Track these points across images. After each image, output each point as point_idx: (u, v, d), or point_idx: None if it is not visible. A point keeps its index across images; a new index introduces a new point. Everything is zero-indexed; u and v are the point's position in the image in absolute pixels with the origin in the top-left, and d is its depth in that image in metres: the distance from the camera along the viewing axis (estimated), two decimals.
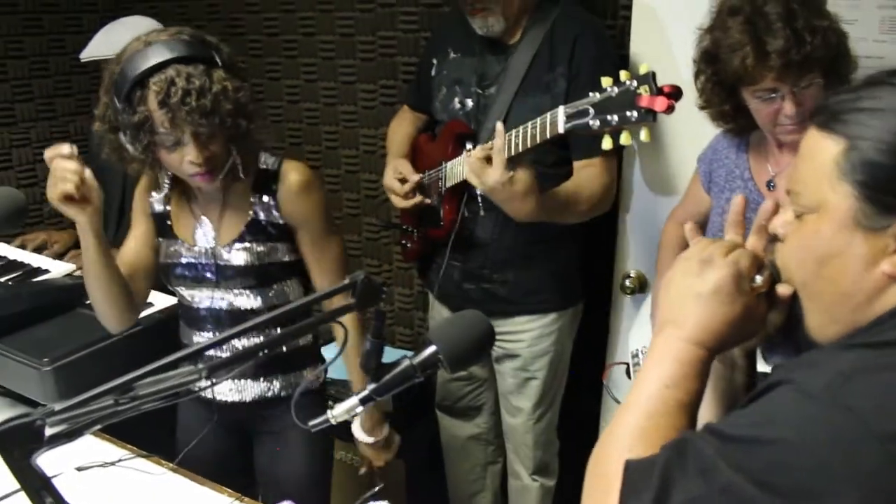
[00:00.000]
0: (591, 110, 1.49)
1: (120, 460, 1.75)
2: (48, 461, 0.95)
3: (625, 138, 1.47)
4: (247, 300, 1.76)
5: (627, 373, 2.08)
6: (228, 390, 1.83)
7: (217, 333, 1.77)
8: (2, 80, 3.17)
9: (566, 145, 1.97)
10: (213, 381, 0.93)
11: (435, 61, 2.20)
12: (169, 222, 1.77)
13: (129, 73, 1.48)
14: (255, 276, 1.73)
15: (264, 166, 1.73)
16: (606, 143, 1.51)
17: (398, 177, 2.16)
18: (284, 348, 1.80)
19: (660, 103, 1.40)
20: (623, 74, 1.46)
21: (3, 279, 2.10)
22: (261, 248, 1.72)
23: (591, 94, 1.50)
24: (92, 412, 0.93)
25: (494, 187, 1.68)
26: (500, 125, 1.66)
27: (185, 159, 1.53)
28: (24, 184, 3.26)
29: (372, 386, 1.01)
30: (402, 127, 2.38)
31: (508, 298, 2.15)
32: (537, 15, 2.00)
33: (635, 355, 2.06)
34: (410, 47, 2.73)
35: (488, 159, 1.68)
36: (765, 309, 0.94)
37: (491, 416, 2.47)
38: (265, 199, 1.71)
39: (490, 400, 2.43)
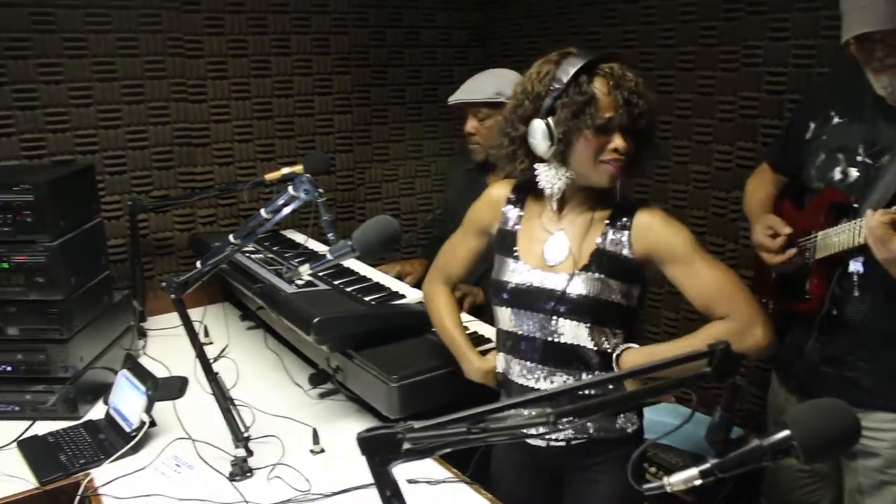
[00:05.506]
0: None
1: (445, 481, 1.87)
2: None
3: None
4: (573, 335, 1.73)
5: None
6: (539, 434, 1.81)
7: (536, 364, 1.78)
8: (382, 123, 3.60)
9: None
10: (560, 427, 0.95)
11: (812, 124, 2.01)
12: (514, 241, 1.82)
13: (576, 60, 1.64)
14: (592, 310, 1.71)
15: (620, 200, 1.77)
16: None
17: (769, 233, 2.02)
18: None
19: None
20: None
21: (367, 298, 2.35)
22: (598, 282, 1.70)
23: None
24: (445, 436, 1.01)
25: None
26: None
27: (609, 146, 1.65)
28: (390, 215, 3.64)
29: (715, 461, 0.97)
30: (762, 188, 2.22)
31: (873, 391, 1.90)
32: None
33: None
34: (774, 109, 2.61)
35: (893, 224, 1.53)
36: None
37: None
38: (617, 234, 1.72)
39: (828, 498, 2.18)
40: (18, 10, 2.75)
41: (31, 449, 2.06)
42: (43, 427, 2.17)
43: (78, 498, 1.86)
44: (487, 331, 2.28)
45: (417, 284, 2.72)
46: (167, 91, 3.09)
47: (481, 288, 2.65)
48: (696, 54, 2.86)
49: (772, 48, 2.61)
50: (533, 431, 1.78)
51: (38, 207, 2.15)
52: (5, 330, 2.23)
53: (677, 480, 0.99)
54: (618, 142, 1.64)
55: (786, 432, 0.95)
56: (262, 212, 1.84)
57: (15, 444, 2.08)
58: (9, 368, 2.25)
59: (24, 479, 1.92)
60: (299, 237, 3.16)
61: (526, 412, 0.99)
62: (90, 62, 2.92)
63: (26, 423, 2.17)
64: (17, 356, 2.25)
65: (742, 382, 0.86)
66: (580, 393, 1.59)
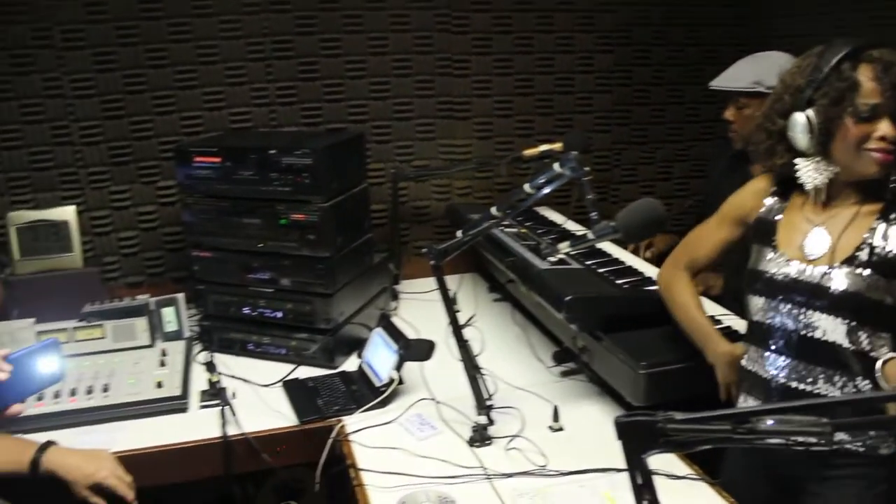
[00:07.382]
0: None
1: (685, 477, 1.80)
2: None
3: None
4: (830, 331, 1.63)
5: None
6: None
7: (788, 358, 1.69)
8: (643, 104, 3.49)
9: None
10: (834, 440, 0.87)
11: None
12: (774, 231, 1.76)
13: (839, 49, 1.59)
14: (852, 308, 1.61)
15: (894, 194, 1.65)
16: None
17: None
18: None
19: None
20: None
21: (619, 281, 2.31)
22: (861, 278, 1.60)
23: None
24: (707, 431, 0.96)
25: None
26: None
27: (875, 134, 1.57)
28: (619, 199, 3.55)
29: None
30: None
31: None
32: None
33: None
34: None
35: None
36: None
37: None
38: (891, 228, 1.61)
39: None
40: None
41: (293, 390, 2.26)
42: (304, 372, 2.36)
43: (331, 440, 2.00)
44: (742, 326, 2.16)
45: (659, 258, 2.63)
46: (433, 65, 3.21)
47: (721, 276, 2.57)
48: None
49: None
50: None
51: (314, 170, 2.33)
52: (279, 280, 2.45)
53: None
54: (885, 128, 1.55)
55: None
56: (526, 186, 1.85)
57: (281, 383, 2.30)
58: (280, 315, 2.48)
59: (286, 416, 2.12)
60: (556, 216, 3.15)
61: (797, 418, 0.91)
62: (365, 37, 3.10)
63: (291, 367, 2.38)
64: (287, 305, 2.47)
65: None
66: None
